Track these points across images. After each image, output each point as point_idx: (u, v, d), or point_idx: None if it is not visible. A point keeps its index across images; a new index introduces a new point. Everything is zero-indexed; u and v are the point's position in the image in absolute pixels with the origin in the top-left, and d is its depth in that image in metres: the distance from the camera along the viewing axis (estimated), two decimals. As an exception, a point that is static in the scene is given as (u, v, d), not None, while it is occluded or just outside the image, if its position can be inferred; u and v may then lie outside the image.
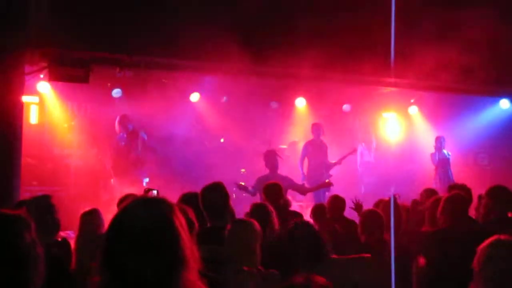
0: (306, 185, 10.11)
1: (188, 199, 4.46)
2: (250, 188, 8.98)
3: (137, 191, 9.28)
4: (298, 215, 6.48)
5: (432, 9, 9.05)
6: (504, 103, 11.95)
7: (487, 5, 8.68)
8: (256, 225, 3.88)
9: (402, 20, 7.76)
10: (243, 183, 9.38)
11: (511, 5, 9.02)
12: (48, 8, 7.65)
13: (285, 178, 8.60)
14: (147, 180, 10.36)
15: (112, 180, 10.15)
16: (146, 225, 1.91)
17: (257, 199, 8.74)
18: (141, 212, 1.94)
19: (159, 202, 2.01)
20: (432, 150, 11.83)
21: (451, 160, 11.84)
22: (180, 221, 1.96)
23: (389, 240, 4.94)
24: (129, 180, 9.77)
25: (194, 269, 1.97)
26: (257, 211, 4.95)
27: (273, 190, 6.36)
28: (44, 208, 4.38)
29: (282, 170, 9.51)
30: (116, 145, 10.39)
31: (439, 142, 11.74)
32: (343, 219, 6.40)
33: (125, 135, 10.36)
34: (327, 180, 10.26)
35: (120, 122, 10.39)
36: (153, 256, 1.88)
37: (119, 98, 11.03)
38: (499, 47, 9.53)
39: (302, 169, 11.03)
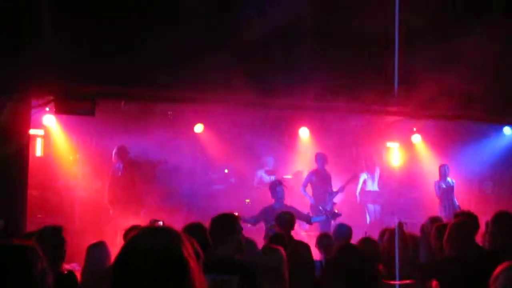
0: (311, 215, 10.11)
1: (191, 229, 4.47)
2: (247, 218, 8.95)
3: (134, 222, 9.28)
4: (305, 245, 6.48)
5: (435, 38, 9.14)
6: (507, 131, 11.96)
7: (490, 33, 8.77)
8: (283, 252, 4.01)
9: (405, 49, 7.86)
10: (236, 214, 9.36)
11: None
12: (54, 43, 7.76)
13: (290, 208, 8.60)
14: (143, 211, 10.29)
15: (111, 211, 10.12)
16: (154, 255, 1.89)
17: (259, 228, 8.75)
18: (149, 242, 1.92)
19: (166, 231, 1.99)
20: (436, 178, 11.82)
21: (455, 188, 11.81)
22: (188, 251, 1.95)
23: (383, 270, 4.94)
24: (126, 211, 9.77)
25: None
26: (277, 240, 5.14)
27: (286, 220, 6.48)
28: (53, 240, 4.41)
29: (287, 200, 9.52)
30: (113, 176, 10.40)
31: (443, 170, 11.73)
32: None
33: (121, 166, 10.37)
34: (336, 210, 10.26)
35: (116, 153, 10.42)
36: (162, 287, 1.87)
37: (124, 131, 11.11)
38: (502, 75, 9.58)
39: (307, 193, 10.95)
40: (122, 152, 10.40)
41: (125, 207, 9.88)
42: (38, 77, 7.81)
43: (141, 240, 1.95)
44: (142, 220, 9.24)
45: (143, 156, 11.11)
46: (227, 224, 4.49)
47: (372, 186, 12.73)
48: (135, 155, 10.85)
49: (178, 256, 1.92)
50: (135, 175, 10.45)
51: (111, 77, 8.21)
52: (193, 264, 1.94)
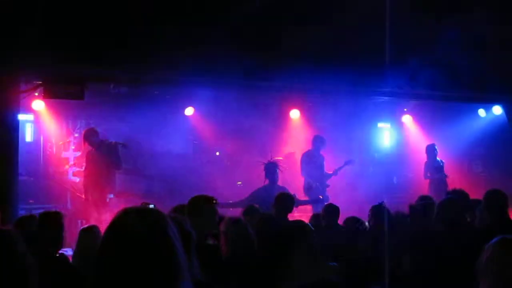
0: (305, 194, 10.19)
1: (179, 211, 4.48)
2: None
3: (103, 207, 9.20)
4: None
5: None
6: (497, 110, 11.98)
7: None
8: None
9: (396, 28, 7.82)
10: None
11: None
12: (43, 26, 7.69)
13: (282, 189, 8.62)
14: (111, 196, 9.95)
15: (83, 196, 9.94)
16: (139, 234, 1.90)
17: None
18: (134, 222, 1.93)
19: (152, 211, 2.01)
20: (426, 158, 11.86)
21: (445, 168, 11.83)
22: (173, 231, 1.96)
23: None
24: (97, 196, 9.62)
25: (188, 279, 1.97)
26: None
27: (286, 202, 6.48)
28: (54, 223, 4.45)
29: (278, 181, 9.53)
30: (86, 160, 9.98)
31: (431, 150, 11.74)
32: (337, 226, 6.49)
33: (93, 150, 9.89)
34: (321, 196, 10.30)
35: (84, 137, 9.95)
36: (147, 265, 1.87)
37: (113, 114, 10.97)
38: (496, 51, 9.53)
39: (308, 176, 10.86)
40: (89, 136, 9.86)
41: (96, 191, 9.64)
42: (27, 61, 7.75)
43: (124, 220, 1.96)
44: (107, 205, 9.22)
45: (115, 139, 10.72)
46: (192, 206, 4.47)
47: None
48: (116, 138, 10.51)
49: (161, 235, 1.92)
50: (107, 158, 9.84)
51: (100, 60, 8.15)
52: (178, 243, 1.94)
